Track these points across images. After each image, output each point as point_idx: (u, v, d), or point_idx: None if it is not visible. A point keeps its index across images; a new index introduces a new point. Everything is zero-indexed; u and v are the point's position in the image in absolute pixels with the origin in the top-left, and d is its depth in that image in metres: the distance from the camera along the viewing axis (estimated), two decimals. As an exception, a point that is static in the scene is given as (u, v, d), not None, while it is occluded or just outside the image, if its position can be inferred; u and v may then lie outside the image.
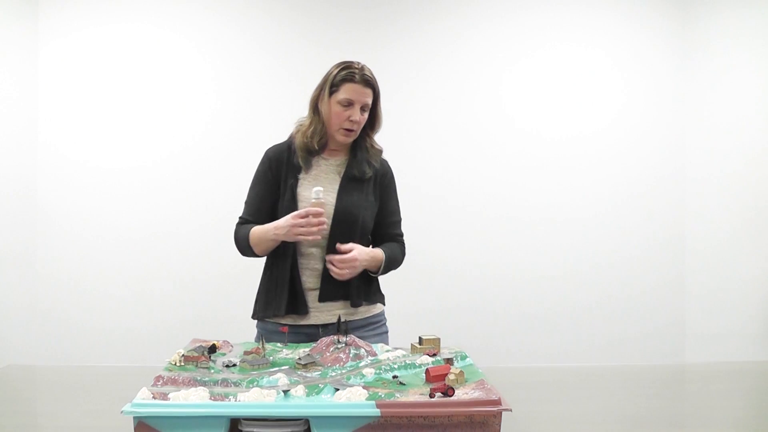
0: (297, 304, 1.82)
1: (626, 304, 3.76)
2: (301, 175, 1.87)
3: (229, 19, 3.67)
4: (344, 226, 1.82)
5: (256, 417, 1.11)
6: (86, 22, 3.61)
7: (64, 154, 3.61)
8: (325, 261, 1.81)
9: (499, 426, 1.12)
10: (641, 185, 3.79)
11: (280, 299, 1.84)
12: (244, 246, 1.86)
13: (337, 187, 1.86)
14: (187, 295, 3.62)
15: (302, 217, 1.70)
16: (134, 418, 1.09)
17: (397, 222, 1.99)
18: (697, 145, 3.80)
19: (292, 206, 1.81)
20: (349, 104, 1.84)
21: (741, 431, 1.50)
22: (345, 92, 1.84)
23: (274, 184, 1.89)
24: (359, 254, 1.78)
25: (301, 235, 1.71)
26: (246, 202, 1.94)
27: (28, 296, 3.56)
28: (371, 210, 1.90)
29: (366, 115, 1.87)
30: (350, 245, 1.79)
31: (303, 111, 3.97)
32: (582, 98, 3.77)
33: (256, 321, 1.96)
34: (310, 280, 1.84)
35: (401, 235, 2.00)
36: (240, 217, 1.92)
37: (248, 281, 3.72)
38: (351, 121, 1.83)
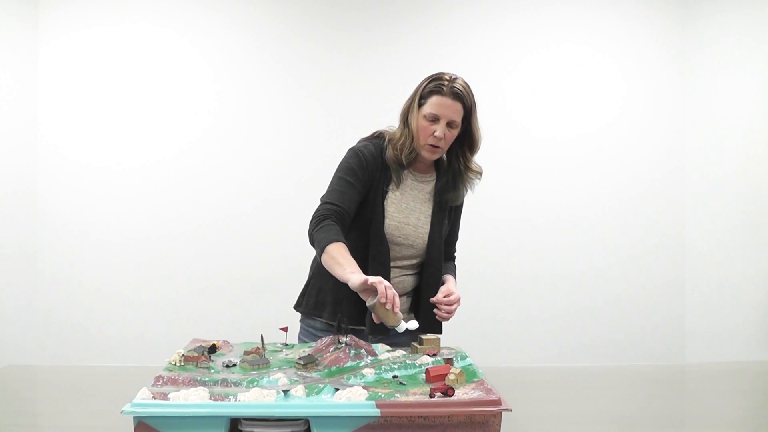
0: (356, 315, 1.74)
1: (626, 304, 3.76)
2: (390, 188, 1.80)
3: (230, 20, 3.67)
4: (434, 251, 1.82)
5: (256, 417, 1.11)
6: (86, 22, 3.61)
7: (64, 154, 3.61)
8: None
9: (499, 426, 1.12)
10: (641, 185, 3.79)
11: (338, 305, 1.80)
12: (316, 246, 1.69)
13: (429, 212, 1.84)
14: (187, 295, 3.62)
15: (385, 295, 1.49)
16: (134, 418, 1.09)
17: (456, 240, 2.00)
18: (697, 144, 3.80)
19: (379, 220, 1.76)
20: (434, 119, 1.73)
21: (741, 431, 1.49)
22: (431, 106, 1.74)
23: (365, 184, 1.77)
24: (458, 294, 1.78)
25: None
26: (332, 188, 1.77)
27: (28, 296, 3.56)
28: (446, 234, 1.91)
29: (455, 132, 1.76)
30: (447, 288, 1.78)
31: (303, 111, 3.97)
32: (582, 98, 3.77)
33: (300, 315, 1.94)
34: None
35: (455, 251, 2.01)
36: (325, 202, 1.75)
37: (248, 281, 3.73)
38: (435, 137, 1.73)
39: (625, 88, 3.80)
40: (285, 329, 1.64)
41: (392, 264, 1.80)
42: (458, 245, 2.03)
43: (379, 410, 1.10)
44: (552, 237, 3.75)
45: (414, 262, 1.85)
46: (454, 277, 1.92)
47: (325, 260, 1.63)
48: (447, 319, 1.77)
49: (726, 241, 3.72)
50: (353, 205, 1.75)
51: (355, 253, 1.68)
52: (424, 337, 1.55)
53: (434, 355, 1.46)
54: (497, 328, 3.69)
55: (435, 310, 1.76)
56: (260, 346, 1.52)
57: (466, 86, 1.78)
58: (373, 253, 1.77)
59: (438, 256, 1.85)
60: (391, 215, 1.78)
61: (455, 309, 1.76)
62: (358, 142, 1.88)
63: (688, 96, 3.82)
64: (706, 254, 3.77)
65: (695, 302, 3.79)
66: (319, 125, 3.68)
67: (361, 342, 1.47)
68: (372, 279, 1.50)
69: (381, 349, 1.53)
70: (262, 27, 3.69)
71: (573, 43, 3.78)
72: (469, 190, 1.90)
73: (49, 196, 3.60)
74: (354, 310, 1.75)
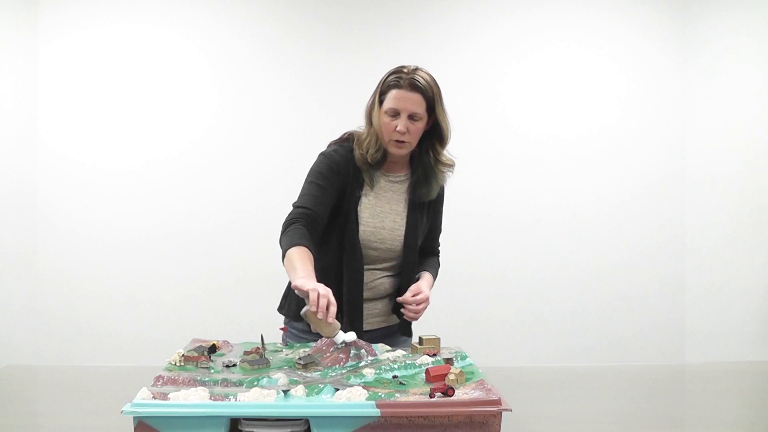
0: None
1: (626, 304, 3.76)
2: (364, 192, 1.76)
3: (230, 19, 3.67)
4: (409, 253, 1.79)
5: (256, 417, 1.11)
6: (86, 22, 3.61)
7: (64, 154, 3.61)
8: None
9: (499, 426, 1.12)
10: (641, 185, 3.79)
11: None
12: (282, 247, 1.65)
13: (405, 213, 1.79)
14: (187, 295, 3.62)
15: (316, 302, 1.40)
16: (134, 418, 1.09)
17: (439, 234, 1.96)
18: (697, 145, 3.80)
19: (353, 228, 1.73)
20: (395, 114, 1.69)
21: (741, 431, 1.50)
22: (390, 100, 1.70)
23: (337, 188, 1.74)
24: (429, 294, 1.75)
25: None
26: (303, 193, 1.74)
27: (28, 296, 3.56)
28: (425, 230, 1.87)
29: (419, 124, 1.71)
30: (416, 287, 1.75)
31: (303, 111, 3.98)
32: (582, 98, 3.77)
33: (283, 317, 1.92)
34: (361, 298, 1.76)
35: (439, 245, 1.98)
36: (296, 206, 1.71)
37: (248, 281, 3.73)
38: (398, 132, 1.68)
39: (625, 88, 3.80)
40: (285, 329, 1.65)
41: (372, 267, 1.78)
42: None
43: (379, 410, 1.10)
44: (552, 237, 3.75)
45: (394, 263, 1.82)
46: (434, 272, 1.88)
47: (285, 264, 1.59)
48: (415, 319, 1.74)
49: (726, 241, 3.72)
50: (325, 209, 1.72)
51: (331, 261, 1.69)
52: (424, 337, 1.55)
53: (434, 355, 1.46)
54: (497, 328, 3.69)
55: (402, 310, 1.73)
56: (260, 346, 1.52)
57: (427, 77, 1.72)
58: (347, 262, 1.73)
59: (413, 256, 1.82)
60: (365, 221, 1.75)
61: (423, 308, 1.72)
62: (328, 146, 1.85)
63: (688, 96, 3.82)
64: (706, 254, 3.77)
65: (695, 302, 3.79)
66: (320, 125, 3.68)
67: (361, 342, 1.47)
68: (308, 285, 1.43)
69: (381, 349, 1.53)
70: (263, 27, 3.69)
71: (572, 43, 3.77)
72: (444, 184, 1.86)
73: (49, 196, 3.60)
74: None
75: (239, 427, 1.12)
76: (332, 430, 1.10)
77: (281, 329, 1.65)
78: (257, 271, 3.64)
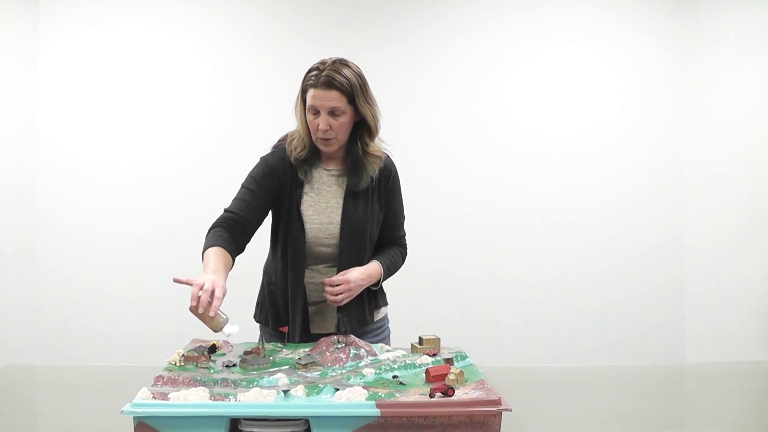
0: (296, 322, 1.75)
1: (626, 304, 3.76)
2: (305, 189, 1.76)
3: (230, 19, 3.67)
4: (352, 244, 1.74)
5: (256, 417, 1.11)
6: (86, 22, 3.61)
7: (64, 154, 3.61)
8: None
9: (499, 426, 1.12)
10: (641, 185, 3.79)
11: (279, 315, 1.81)
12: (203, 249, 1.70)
13: (341, 201, 1.76)
14: (187, 295, 3.60)
15: (196, 297, 1.47)
16: (134, 418, 1.09)
17: (400, 224, 1.90)
18: (697, 145, 3.80)
19: (299, 227, 1.73)
20: (315, 112, 1.69)
21: (741, 431, 1.50)
22: (309, 99, 1.70)
23: (271, 191, 1.76)
24: (354, 277, 1.70)
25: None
26: (234, 198, 1.80)
27: (27, 296, 3.55)
28: (377, 220, 1.81)
29: (343, 118, 1.69)
30: (345, 271, 1.71)
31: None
32: (582, 98, 3.77)
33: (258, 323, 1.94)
34: (313, 296, 1.76)
35: (403, 236, 1.92)
36: (225, 210, 1.78)
37: (249, 282, 3.71)
38: (321, 130, 1.68)
39: (625, 88, 3.80)
40: (285, 329, 1.65)
41: (330, 265, 1.76)
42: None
43: (379, 410, 1.10)
44: (552, 237, 3.75)
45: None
46: (385, 261, 1.81)
47: (202, 264, 1.62)
48: (336, 302, 1.70)
49: (726, 241, 3.72)
50: (255, 212, 1.75)
51: (282, 265, 1.76)
52: (424, 337, 1.55)
53: (434, 355, 1.46)
54: (498, 328, 3.69)
55: (325, 294, 1.71)
56: (260, 346, 1.52)
57: (345, 71, 1.70)
58: (290, 262, 1.76)
59: (353, 247, 1.76)
60: (310, 218, 1.74)
61: (339, 291, 1.68)
62: (270, 149, 1.85)
63: (688, 96, 3.82)
64: (706, 254, 3.77)
65: (695, 302, 3.78)
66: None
67: (361, 342, 1.47)
68: (198, 280, 1.48)
69: (381, 349, 1.54)
70: (262, 27, 3.69)
71: (572, 43, 3.77)
72: (373, 175, 1.78)
73: (49, 196, 3.60)
74: (302, 319, 1.74)
75: (239, 427, 1.12)
76: (332, 430, 1.10)
77: (281, 329, 1.65)
78: (257, 271, 3.64)
